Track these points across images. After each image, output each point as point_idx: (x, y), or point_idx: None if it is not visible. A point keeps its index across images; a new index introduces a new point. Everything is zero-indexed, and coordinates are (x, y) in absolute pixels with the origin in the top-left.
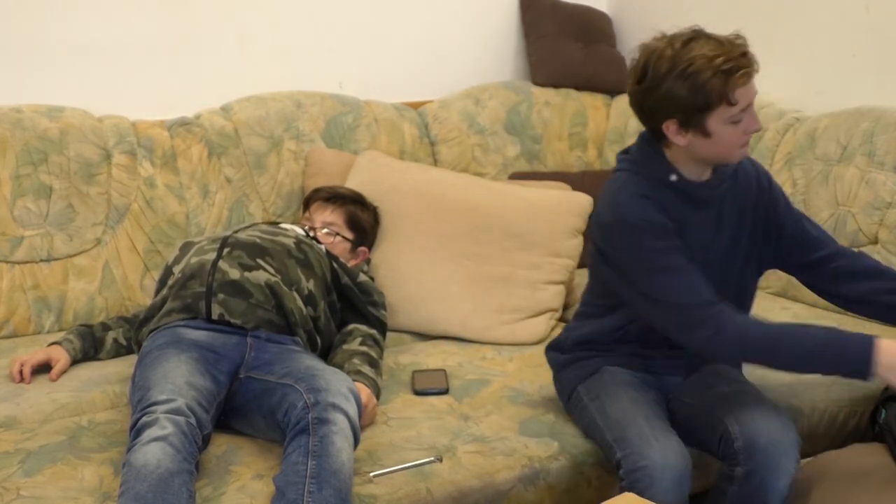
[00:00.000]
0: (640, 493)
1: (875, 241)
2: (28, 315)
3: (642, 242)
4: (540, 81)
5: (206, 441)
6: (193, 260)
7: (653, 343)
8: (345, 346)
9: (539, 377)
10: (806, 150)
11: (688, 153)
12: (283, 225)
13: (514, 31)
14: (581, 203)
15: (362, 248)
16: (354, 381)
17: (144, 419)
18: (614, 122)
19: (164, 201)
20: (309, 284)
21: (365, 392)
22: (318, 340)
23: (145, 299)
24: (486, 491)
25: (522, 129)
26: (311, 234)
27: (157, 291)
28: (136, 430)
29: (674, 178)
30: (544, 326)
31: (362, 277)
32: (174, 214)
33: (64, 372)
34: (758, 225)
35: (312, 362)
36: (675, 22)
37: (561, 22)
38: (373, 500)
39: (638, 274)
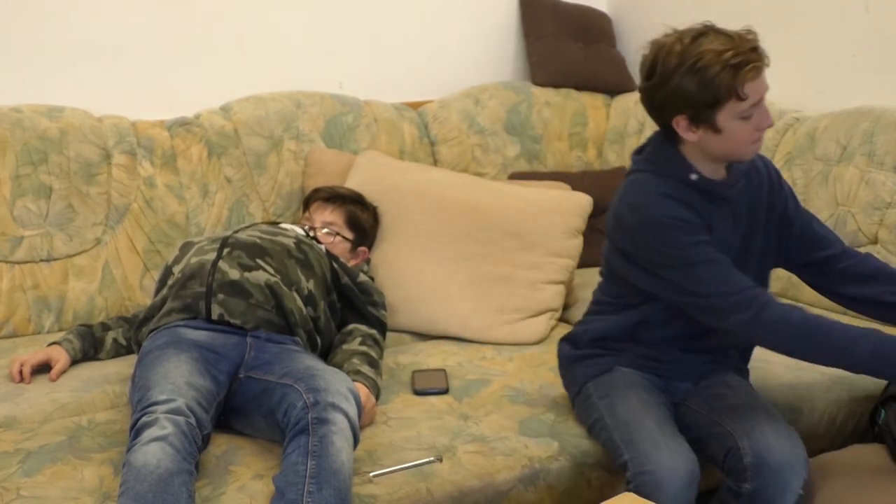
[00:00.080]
0: (647, 497)
1: (875, 241)
2: (28, 315)
3: (673, 239)
4: (540, 81)
5: (205, 441)
6: (193, 260)
7: (665, 347)
8: (345, 346)
9: (539, 377)
10: (806, 150)
11: (701, 151)
12: (283, 225)
13: (514, 31)
14: (581, 203)
15: (362, 248)
16: (354, 380)
17: (144, 419)
18: (614, 122)
19: (164, 201)
20: (309, 284)
21: (363, 392)
22: (318, 340)
23: (145, 299)
24: (486, 491)
25: (522, 129)
26: (311, 234)
27: (157, 291)
28: (135, 430)
29: (694, 177)
30: (544, 326)
31: (362, 277)
32: (174, 214)
33: (64, 372)
34: (769, 222)
35: (312, 362)
36: (675, 22)
37: (561, 22)
38: (373, 500)
39: (672, 271)
